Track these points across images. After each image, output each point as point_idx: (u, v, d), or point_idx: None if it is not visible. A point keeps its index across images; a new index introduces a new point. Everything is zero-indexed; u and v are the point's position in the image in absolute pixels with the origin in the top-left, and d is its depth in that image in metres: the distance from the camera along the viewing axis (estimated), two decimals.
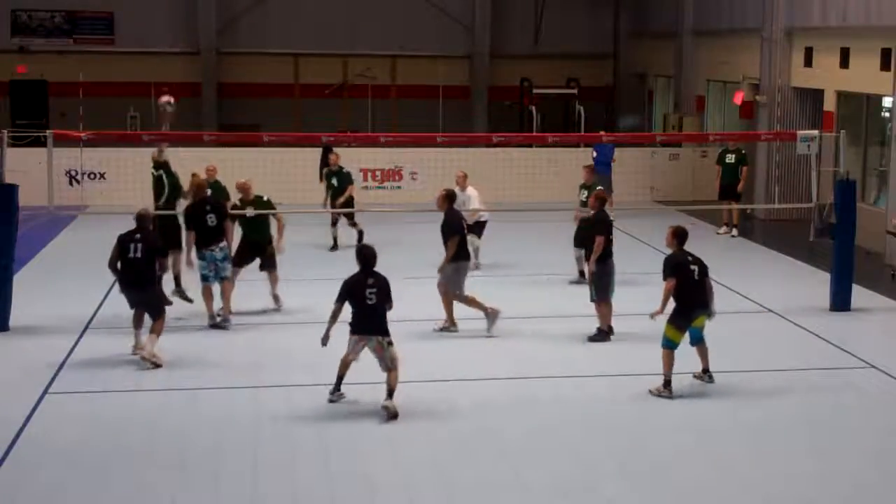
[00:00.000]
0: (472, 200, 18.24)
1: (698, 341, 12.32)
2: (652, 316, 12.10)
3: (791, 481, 9.87)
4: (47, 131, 16.06)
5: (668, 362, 11.98)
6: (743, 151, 22.38)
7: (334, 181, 20.21)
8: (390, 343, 11.30)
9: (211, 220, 14.57)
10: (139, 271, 12.87)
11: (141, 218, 13.25)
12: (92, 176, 24.38)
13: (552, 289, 17.32)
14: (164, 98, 17.99)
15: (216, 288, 14.70)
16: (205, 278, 14.64)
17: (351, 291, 11.29)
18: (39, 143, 18.08)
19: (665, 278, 12.12)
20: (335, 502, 9.36)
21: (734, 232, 22.06)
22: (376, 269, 11.44)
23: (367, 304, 11.23)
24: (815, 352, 14.01)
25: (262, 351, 13.71)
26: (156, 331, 12.89)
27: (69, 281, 17.21)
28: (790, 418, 11.49)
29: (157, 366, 12.75)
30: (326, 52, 33.47)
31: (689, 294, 12.01)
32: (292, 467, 10.04)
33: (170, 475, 9.85)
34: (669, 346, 12.02)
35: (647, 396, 11.99)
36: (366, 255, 11.48)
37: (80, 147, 21.41)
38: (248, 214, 15.56)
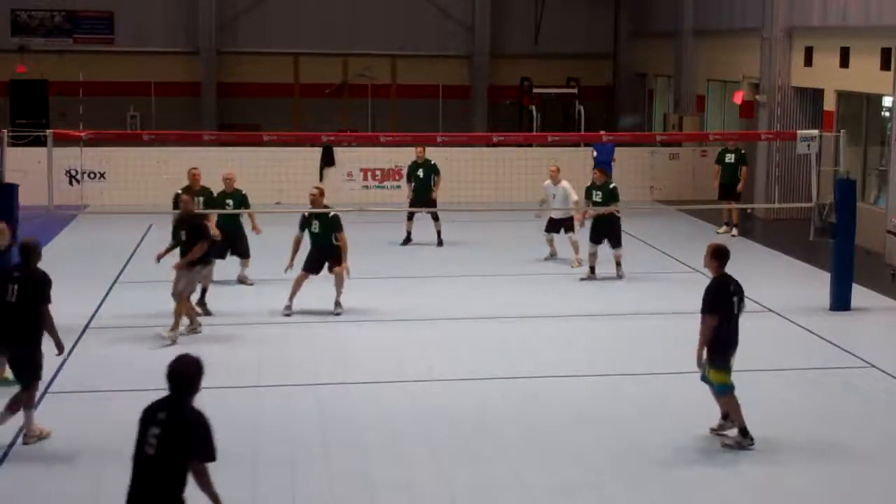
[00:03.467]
0: (569, 193, 18.55)
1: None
2: (699, 363, 10.56)
3: (791, 481, 9.86)
4: (47, 131, 16.05)
5: (736, 408, 10.44)
6: (742, 151, 22.38)
7: (420, 173, 20.16)
8: None
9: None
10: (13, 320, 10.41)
11: (23, 248, 10.73)
12: (92, 176, 24.38)
13: (554, 287, 17.32)
14: None
15: None
16: None
17: None
18: (39, 142, 18.08)
19: (706, 312, 10.33)
20: (335, 502, 9.36)
21: (734, 231, 22.06)
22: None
23: None
24: (815, 352, 14.01)
25: (262, 351, 13.70)
26: (24, 401, 10.48)
27: (69, 281, 17.13)
28: (790, 418, 11.48)
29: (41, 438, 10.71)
30: (326, 52, 33.47)
31: (729, 330, 10.39)
32: (292, 467, 10.04)
33: None
34: (728, 390, 10.47)
35: (648, 396, 11.97)
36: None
37: (80, 147, 21.42)
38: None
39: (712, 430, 10.74)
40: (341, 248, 15.12)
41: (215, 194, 16.67)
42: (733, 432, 10.56)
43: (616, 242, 17.80)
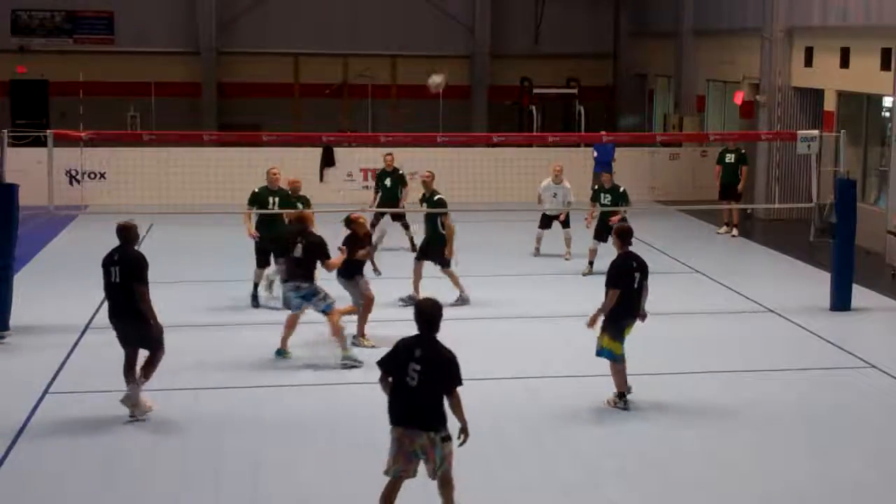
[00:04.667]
0: (569, 193, 19.27)
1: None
2: (589, 325, 11.44)
3: (791, 481, 9.87)
4: (47, 131, 16.06)
5: (619, 376, 11.46)
6: (742, 151, 22.39)
7: (387, 182, 20.00)
8: (445, 439, 8.46)
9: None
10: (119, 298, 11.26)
11: (120, 231, 11.33)
12: (92, 176, 24.40)
13: (553, 288, 17.33)
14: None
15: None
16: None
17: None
18: (39, 143, 18.09)
19: (607, 285, 11.29)
20: (337, 501, 9.36)
21: (734, 232, 22.07)
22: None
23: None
24: (815, 352, 14.02)
25: (262, 351, 13.70)
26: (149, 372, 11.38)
27: (69, 281, 17.21)
28: (790, 418, 11.49)
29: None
30: (326, 52, 33.47)
31: (626, 302, 11.27)
32: (293, 467, 10.04)
33: (170, 475, 9.86)
34: (617, 358, 11.45)
35: (647, 395, 11.97)
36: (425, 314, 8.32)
37: (80, 147, 21.42)
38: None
39: (607, 401, 11.64)
40: (448, 235, 15.73)
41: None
42: (611, 395, 11.57)
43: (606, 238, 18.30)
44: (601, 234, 18.15)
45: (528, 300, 16.55)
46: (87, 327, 14.69)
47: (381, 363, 8.41)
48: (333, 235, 18.22)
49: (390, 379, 8.34)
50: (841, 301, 15.88)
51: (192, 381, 12.47)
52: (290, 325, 13.29)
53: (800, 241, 19.44)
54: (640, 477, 9.93)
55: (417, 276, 15.89)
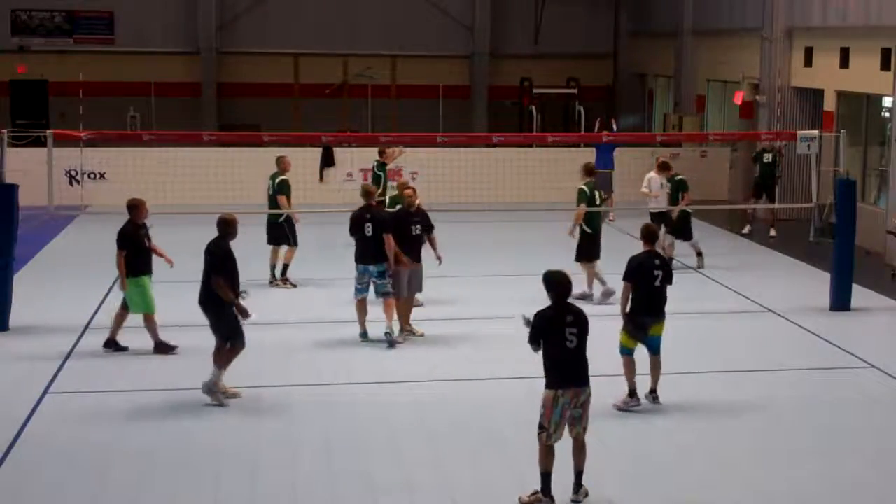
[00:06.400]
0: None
1: (654, 352, 11.68)
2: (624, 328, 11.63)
3: (791, 481, 9.87)
4: (47, 131, 16.06)
5: (628, 370, 11.50)
6: (779, 152, 22.33)
7: (382, 175, 19.60)
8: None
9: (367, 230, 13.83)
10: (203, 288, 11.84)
11: (217, 223, 11.96)
12: (92, 176, 24.39)
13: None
14: None
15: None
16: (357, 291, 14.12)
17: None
18: (39, 143, 18.08)
19: (623, 279, 11.51)
20: (336, 502, 9.37)
21: (772, 231, 21.83)
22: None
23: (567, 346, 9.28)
24: (815, 352, 14.02)
25: (262, 350, 13.69)
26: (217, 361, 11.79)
27: (69, 281, 17.22)
28: (790, 418, 11.49)
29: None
30: (326, 52, 33.48)
31: (644, 300, 11.42)
32: (292, 467, 10.05)
33: (170, 475, 9.86)
34: (624, 352, 11.57)
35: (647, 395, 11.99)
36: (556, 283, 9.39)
37: (80, 147, 21.42)
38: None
39: (644, 395, 11.70)
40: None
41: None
42: (624, 395, 11.56)
43: (688, 235, 18.70)
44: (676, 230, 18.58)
45: (529, 300, 16.51)
46: (86, 327, 14.70)
47: (537, 334, 9.30)
48: (334, 235, 18.32)
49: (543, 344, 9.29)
50: (841, 301, 15.87)
51: (192, 380, 12.46)
52: (364, 309, 14.01)
53: (800, 241, 19.43)
54: (642, 477, 9.93)
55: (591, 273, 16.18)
